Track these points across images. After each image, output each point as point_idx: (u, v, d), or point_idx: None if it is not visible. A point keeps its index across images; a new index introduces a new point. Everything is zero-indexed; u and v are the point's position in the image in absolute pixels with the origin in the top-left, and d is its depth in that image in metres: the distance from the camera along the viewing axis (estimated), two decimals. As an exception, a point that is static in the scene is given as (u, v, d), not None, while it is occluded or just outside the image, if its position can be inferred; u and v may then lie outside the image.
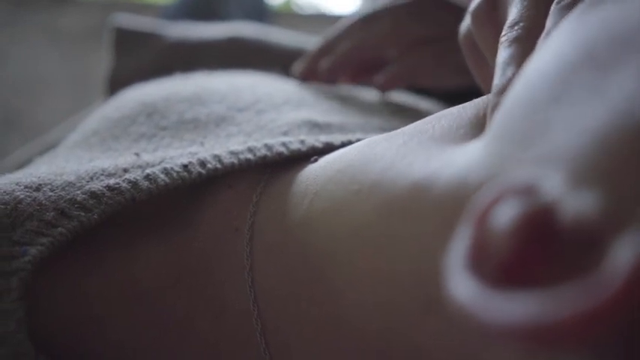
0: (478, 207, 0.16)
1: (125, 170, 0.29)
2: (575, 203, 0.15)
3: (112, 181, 0.28)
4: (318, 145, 0.31)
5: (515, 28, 0.26)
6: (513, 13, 0.27)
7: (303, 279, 0.26)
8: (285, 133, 0.33)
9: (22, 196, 0.27)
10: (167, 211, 0.30)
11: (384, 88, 0.45)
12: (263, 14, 1.10)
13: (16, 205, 0.27)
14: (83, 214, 0.27)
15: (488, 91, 0.32)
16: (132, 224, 0.30)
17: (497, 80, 0.24)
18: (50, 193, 0.28)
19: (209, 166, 0.30)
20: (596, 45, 0.18)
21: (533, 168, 0.17)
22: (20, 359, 0.25)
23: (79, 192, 0.28)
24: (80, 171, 0.29)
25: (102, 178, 0.29)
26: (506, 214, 0.15)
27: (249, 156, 0.30)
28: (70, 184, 0.28)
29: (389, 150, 0.25)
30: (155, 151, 0.32)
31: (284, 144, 0.31)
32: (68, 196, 0.28)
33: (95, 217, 0.27)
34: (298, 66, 0.48)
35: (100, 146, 0.34)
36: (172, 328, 0.28)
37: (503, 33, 0.27)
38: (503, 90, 0.23)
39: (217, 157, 0.30)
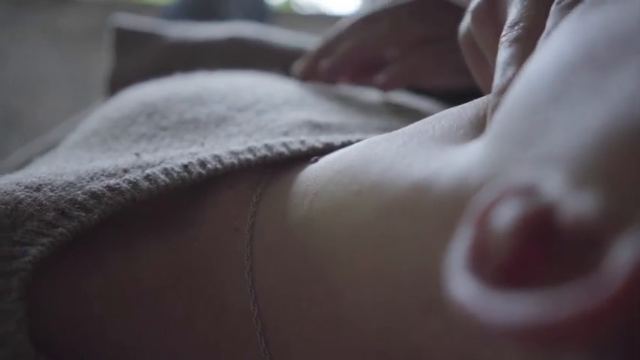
0: (478, 207, 0.16)
1: (125, 170, 0.29)
2: (576, 204, 0.15)
3: (112, 182, 0.28)
4: (319, 145, 0.31)
5: (516, 28, 0.26)
6: (513, 13, 0.27)
7: (304, 279, 0.26)
8: (285, 134, 0.33)
9: (22, 197, 0.27)
10: (167, 212, 0.30)
11: (384, 87, 0.45)
12: (263, 14, 1.10)
13: (17, 206, 0.27)
14: (83, 214, 0.27)
15: (488, 91, 0.32)
16: (132, 224, 0.30)
17: (497, 80, 0.24)
18: (50, 194, 0.28)
19: (209, 166, 0.30)
20: (596, 45, 0.18)
21: (534, 168, 0.17)
22: (20, 359, 0.25)
23: (79, 192, 0.28)
24: (80, 171, 0.29)
25: (102, 178, 0.29)
26: (506, 215, 0.15)
27: (250, 156, 0.30)
28: (71, 184, 0.28)
29: (389, 150, 0.25)
30: (155, 151, 0.32)
31: (284, 144, 0.31)
32: (68, 197, 0.28)
33: (95, 217, 0.27)
34: (298, 66, 0.48)
35: (100, 146, 0.34)
36: (172, 329, 0.28)
37: (503, 33, 0.27)
38: (503, 90, 0.23)
39: (217, 158, 0.30)
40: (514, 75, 0.24)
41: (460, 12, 0.40)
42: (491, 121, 0.22)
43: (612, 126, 0.15)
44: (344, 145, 0.31)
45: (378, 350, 0.23)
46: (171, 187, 0.29)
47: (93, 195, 0.28)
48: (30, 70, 1.65)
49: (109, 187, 0.28)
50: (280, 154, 0.31)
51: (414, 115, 0.42)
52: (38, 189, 0.28)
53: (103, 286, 0.28)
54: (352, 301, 0.24)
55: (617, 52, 0.17)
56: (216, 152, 0.30)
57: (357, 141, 0.30)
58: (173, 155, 0.31)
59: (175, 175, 0.29)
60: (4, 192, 0.27)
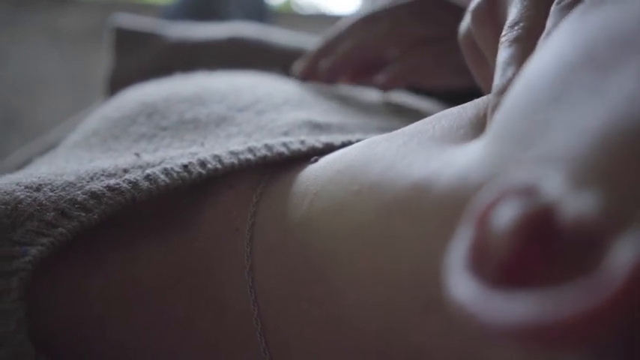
0: (478, 207, 0.16)
1: (125, 170, 0.29)
2: (576, 203, 0.15)
3: (112, 182, 0.28)
4: (319, 145, 0.31)
5: (516, 28, 0.26)
6: (513, 13, 0.27)
7: (304, 279, 0.26)
8: (285, 134, 0.33)
9: (22, 197, 0.27)
10: (167, 212, 0.30)
11: (385, 87, 0.45)
12: (263, 14, 1.10)
13: (17, 206, 0.27)
14: (83, 214, 0.27)
15: (488, 91, 0.32)
16: (132, 224, 0.30)
17: (497, 80, 0.24)
18: (50, 194, 0.28)
19: (209, 166, 0.30)
20: (596, 45, 0.18)
21: (534, 168, 0.17)
22: (20, 359, 0.25)
23: (79, 192, 0.28)
24: (80, 171, 0.29)
25: (102, 178, 0.29)
26: (506, 215, 0.15)
27: (250, 156, 0.30)
28: (71, 184, 0.28)
29: (389, 150, 0.25)
30: (155, 151, 0.32)
31: (284, 144, 0.31)
32: (68, 197, 0.28)
33: (95, 217, 0.27)
34: (299, 65, 0.48)
35: (100, 146, 0.34)
36: (173, 328, 0.28)
37: (503, 33, 0.27)
38: (503, 90, 0.23)
39: (217, 158, 0.30)
40: (514, 75, 0.24)
41: (460, 12, 0.40)
42: (491, 121, 0.22)
43: (612, 126, 0.15)
44: (344, 145, 0.31)
45: (378, 350, 0.23)
46: (171, 187, 0.29)
47: (93, 195, 0.28)
48: (30, 70, 1.65)
49: (109, 187, 0.28)
50: (280, 154, 0.31)
51: (414, 115, 0.42)
52: (38, 189, 0.28)
53: (103, 286, 0.28)
54: (352, 301, 0.24)
55: (617, 52, 0.17)
56: (217, 152, 0.30)
57: (357, 141, 0.30)
58: (173, 155, 0.31)
59: (175, 175, 0.29)
60: (4, 192, 0.27)
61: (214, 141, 0.32)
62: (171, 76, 0.44)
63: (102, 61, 0.65)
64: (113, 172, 0.29)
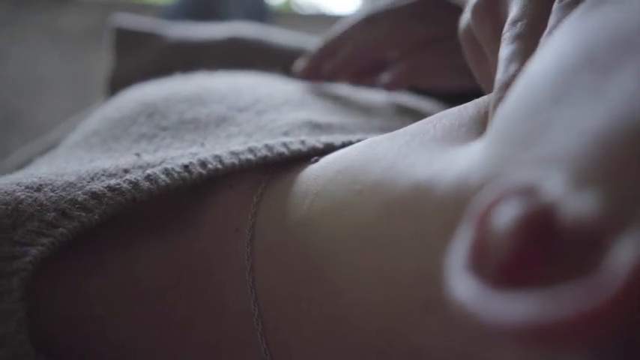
0: (479, 208, 0.16)
1: (126, 171, 0.29)
2: (576, 204, 0.15)
3: (112, 182, 0.28)
4: (319, 145, 0.31)
5: (518, 25, 0.26)
6: (515, 10, 0.27)
7: (304, 279, 0.26)
8: (285, 134, 0.33)
9: (22, 197, 0.27)
10: (168, 212, 0.30)
11: (388, 87, 0.45)
12: (263, 14, 1.10)
13: (17, 206, 0.27)
14: (84, 214, 0.27)
15: (487, 87, 0.32)
16: (133, 225, 0.30)
17: (499, 76, 0.24)
18: (51, 194, 0.28)
19: (210, 166, 0.30)
20: (597, 46, 0.18)
21: (534, 169, 0.17)
22: (20, 359, 0.25)
23: (79, 192, 0.28)
24: (81, 171, 0.29)
25: (103, 178, 0.29)
26: (506, 215, 0.15)
27: (250, 156, 0.30)
28: (71, 184, 0.28)
29: (391, 150, 0.25)
30: (156, 151, 0.32)
31: (285, 144, 0.31)
32: (69, 197, 0.28)
33: (96, 217, 0.27)
34: (299, 65, 0.48)
35: (101, 146, 0.34)
36: (173, 329, 0.28)
37: (505, 29, 0.27)
38: (505, 86, 0.23)
39: (218, 158, 0.30)
40: (516, 72, 0.24)
41: (460, 12, 0.40)
42: (492, 119, 0.22)
43: (612, 126, 0.15)
44: (344, 145, 0.31)
45: (378, 350, 0.23)
46: (171, 188, 0.29)
47: (93, 195, 0.28)
48: (30, 70, 1.65)
49: (110, 188, 0.28)
50: (281, 155, 0.31)
51: (415, 115, 0.42)
52: (39, 189, 0.28)
53: (103, 287, 0.28)
54: (352, 301, 0.24)
55: (617, 53, 0.17)
56: (217, 152, 0.30)
57: (358, 141, 0.30)
58: (174, 155, 0.31)
59: (176, 175, 0.29)
60: (5, 192, 0.27)
61: (215, 141, 0.32)
62: (172, 76, 0.44)
63: (102, 61, 0.65)
64: (114, 172, 0.29)
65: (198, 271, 0.28)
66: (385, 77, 0.45)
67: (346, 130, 0.35)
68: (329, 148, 0.31)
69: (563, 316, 0.12)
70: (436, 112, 0.27)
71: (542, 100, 0.18)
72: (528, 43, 0.25)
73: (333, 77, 0.47)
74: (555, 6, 0.24)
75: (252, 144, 0.31)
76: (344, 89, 0.46)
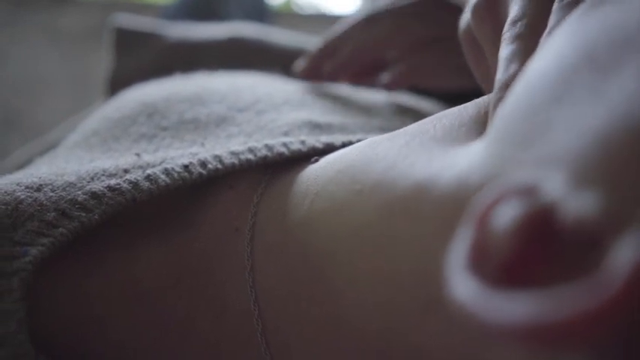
0: (479, 207, 0.16)
1: (126, 171, 0.29)
2: (576, 204, 0.15)
3: (112, 182, 0.28)
4: (319, 145, 0.31)
5: (518, 24, 0.26)
6: (515, 9, 0.27)
7: (304, 279, 0.26)
8: (285, 134, 0.33)
9: (22, 197, 0.27)
10: (168, 212, 0.30)
11: (389, 87, 0.45)
12: (263, 14, 1.10)
13: (17, 206, 0.27)
14: (84, 214, 0.27)
15: (487, 87, 0.32)
16: (133, 225, 0.30)
17: (499, 76, 0.24)
18: (51, 194, 0.28)
19: (210, 166, 0.30)
20: (597, 46, 0.18)
21: (534, 169, 0.17)
22: (20, 359, 0.25)
23: (79, 192, 0.28)
24: (81, 171, 0.29)
25: (103, 178, 0.29)
26: (507, 215, 0.15)
27: (250, 156, 0.30)
28: (71, 184, 0.28)
29: (391, 150, 0.25)
30: (156, 151, 0.32)
31: (285, 144, 0.31)
32: (69, 197, 0.28)
33: (96, 217, 0.27)
34: (299, 65, 0.48)
35: (101, 146, 0.34)
36: (173, 329, 0.28)
37: (505, 29, 0.26)
38: (506, 86, 0.23)
39: (218, 158, 0.30)
40: (517, 71, 0.24)
41: (460, 12, 0.40)
42: (492, 119, 0.22)
43: (612, 126, 0.15)
44: (344, 145, 0.31)
45: (378, 350, 0.23)
46: (171, 188, 0.29)
47: (93, 195, 0.28)
48: (30, 70, 1.65)
49: (110, 188, 0.28)
50: (281, 155, 0.31)
51: (415, 115, 0.42)
52: (39, 189, 0.28)
53: (103, 287, 0.28)
54: (352, 301, 0.24)
55: (617, 53, 0.17)
56: (217, 152, 0.30)
57: (358, 141, 0.30)
58: (174, 155, 0.31)
59: (176, 175, 0.29)
60: (5, 192, 0.27)
61: (215, 141, 0.32)
62: (172, 76, 0.44)
63: (102, 61, 0.65)
64: (114, 172, 0.29)
65: (199, 271, 0.28)
66: (385, 77, 0.45)
67: (346, 130, 0.35)
68: (329, 148, 0.31)
69: (563, 315, 0.12)
70: (436, 112, 0.27)
71: (542, 100, 0.18)
72: (528, 43, 0.25)
73: (333, 77, 0.47)
74: (555, 6, 0.24)
75: (252, 144, 0.31)
76: (344, 89, 0.46)
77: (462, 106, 0.26)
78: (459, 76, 0.43)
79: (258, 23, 0.78)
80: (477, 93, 0.31)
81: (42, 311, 0.27)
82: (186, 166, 0.29)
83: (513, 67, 0.24)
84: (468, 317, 0.14)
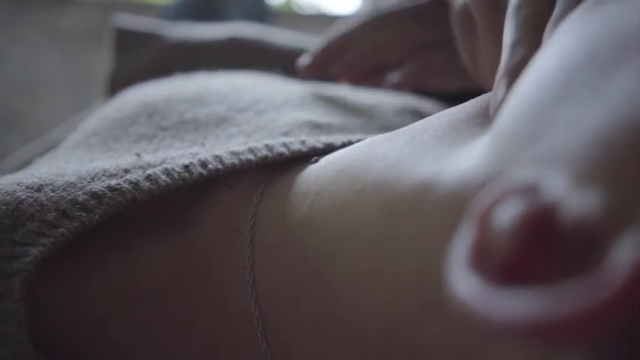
0: (480, 206, 0.16)
1: (126, 171, 0.29)
2: (577, 203, 0.15)
3: (113, 182, 0.28)
4: (319, 145, 0.31)
5: (523, 12, 0.26)
6: None
7: (304, 279, 0.26)
8: (285, 134, 0.33)
9: (23, 197, 0.27)
10: (168, 212, 0.30)
11: (399, 87, 0.45)
12: (263, 14, 1.10)
13: (18, 206, 0.27)
14: (84, 214, 0.27)
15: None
16: (133, 225, 0.30)
17: (504, 61, 0.24)
18: (51, 194, 0.28)
19: (210, 166, 0.30)
20: (600, 45, 0.18)
21: (536, 168, 0.17)
22: (21, 360, 0.25)
23: (80, 192, 0.28)
24: (81, 171, 0.29)
25: (103, 178, 0.29)
26: (508, 214, 0.15)
27: (250, 156, 0.30)
28: (72, 184, 0.28)
29: (391, 149, 0.25)
30: (156, 151, 0.32)
31: (285, 144, 0.31)
32: (69, 197, 0.28)
33: (96, 217, 0.27)
34: (303, 62, 0.48)
35: (101, 147, 0.34)
36: (173, 329, 0.28)
37: (508, 14, 0.26)
38: (511, 71, 0.23)
39: (218, 158, 0.30)
40: (522, 57, 0.24)
41: None
42: (494, 111, 0.22)
43: (613, 126, 0.15)
44: (344, 145, 0.31)
45: (378, 351, 0.23)
46: (172, 188, 0.29)
47: (94, 195, 0.28)
48: (30, 70, 1.65)
49: (110, 188, 0.28)
50: (281, 155, 0.31)
51: (416, 115, 0.42)
52: (39, 189, 0.28)
53: (103, 287, 0.28)
54: (352, 302, 0.24)
55: (618, 52, 0.17)
56: (217, 153, 0.30)
57: (358, 141, 0.30)
58: (174, 156, 0.31)
59: (176, 175, 0.29)
60: (5, 192, 0.27)
61: (215, 141, 0.32)
62: (172, 76, 0.44)
63: (102, 61, 0.64)
64: (114, 172, 0.29)
65: (199, 272, 0.28)
66: (395, 77, 0.45)
67: (346, 130, 0.35)
68: (329, 148, 0.31)
69: (563, 313, 0.12)
70: (436, 112, 0.27)
71: (544, 99, 0.18)
72: (534, 28, 0.25)
73: (341, 77, 0.47)
74: None
75: (252, 144, 0.31)
76: (344, 89, 0.46)
77: (461, 105, 0.26)
78: (462, 78, 0.43)
79: (259, 23, 0.78)
80: (477, 93, 0.31)
81: (42, 311, 0.27)
82: (186, 167, 0.29)
83: (519, 53, 0.24)
84: (469, 315, 0.14)
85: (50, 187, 0.28)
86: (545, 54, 0.20)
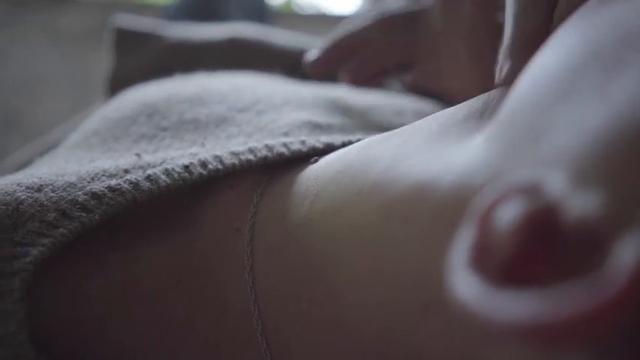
0: (481, 206, 0.16)
1: (126, 171, 0.29)
2: (578, 203, 0.15)
3: (113, 182, 0.28)
4: (319, 145, 0.31)
5: None
6: None
7: (304, 279, 0.26)
8: (285, 134, 0.33)
9: (23, 197, 0.27)
10: (168, 212, 0.30)
11: (411, 87, 0.45)
12: (263, 14, 1.10)
13: (18, 206, 0.27)
14: (84, 214, 0.27)
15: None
16: (133, 225, 0.30)
17: (509, 31, 0.24)
18: (51, 194, 0.28)
19: (210, 166, 0.30)
20: (604, 44, 0.18)
21: (536, 167, 0.17)
22: (21, 360, 0.25)
23: (80, 193, 0.28)
24: (81, 172, 0.29)
25: (103, 178, 0.29)
26: (508, 214, 0.15)
27: (250, 157, 0.30)
28: (72, 184, 0.28)
29: (388, 150, 0.25)
30: (156, 151, 0.32)
31: (285, 145, 0.31)
32: (69, 197, 0.28)
33: (96, 217, 0.27)
34: (310, 58, 0.47)
35: (101, 147, 0.34)
36: (173, 329, 0.28)
37: None
38: (518, 42, 0.23)
39: (218, 158, 0.30)
40: (526, 31, 0.23)
41: None
42: (498, 86, 0.22)
43: (614, 126, 0.15)
44: (344, 145, 0.31)
45: (378, 351, 0.23)
46: (172, 188, 0.29)
47: (94, 195, 0.28)
48: (30, 70, 1.65)
49: (110, 188, 0.28)
50: (281, 155, 0.31)
51: (416, 115, 0.42)
52: (39, 189, 0.28)
53: (104, 287, 0.28)
54: (352, 302, 0.24)
55: (622, 52, 0.17)
56: (217, 153, 0.30)
57: (358, 141, 0.30)
58: (174, 156, 0.31)
59: (176, 175, 0.29)
60: (6, 192, 0.27)
61: (215, 141, 0.32)
62: (172, 76, 0.44)
63: (102, 61, 0.64)
64: (114, 172, 0.29)
65: (199, 272, 0.28)
66: (408, 77, 0.45)
67: (346, 130, 0.35)
68: (329, 148, 0.31)
69: (564, 314, 0.12)
70: (435, 112, 0.27)
71: (546, 98, 0.18)
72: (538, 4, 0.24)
73: (347, 78, 0.47)
74: None
75: (252, 144, 0.31)
76: (344, 89, 0.46)
77: (459, 104, 0.26)
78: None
79: (259, 23, 0.78)
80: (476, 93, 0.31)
81: (42, 312, 0.27)
82: (186, 167, 0.29)
83: (528, 22, 0.24)
84: (469, 316, 0.14)
85: (50, 187, 0.28)
86: (550, 51, 0.20)
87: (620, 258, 0.12)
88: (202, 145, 0.32)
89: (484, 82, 0.37)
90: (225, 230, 0.29)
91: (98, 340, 0.28)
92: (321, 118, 0.36)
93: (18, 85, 1.65)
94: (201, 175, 0.29)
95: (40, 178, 0.29)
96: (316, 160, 0.30)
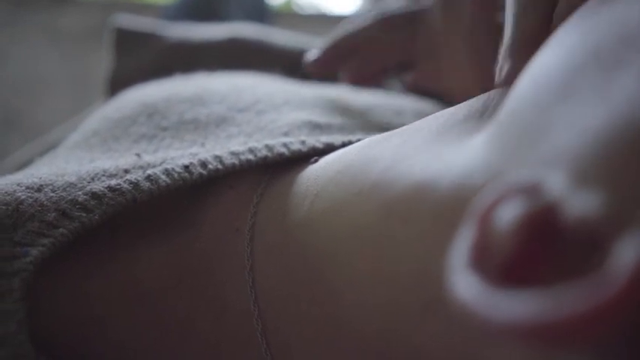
0: (481, 206, 0.16)
1: (126, 171, 0.29)
2: (578, 203, 0.15)
3: (113, 182, 0.28)
4: (319, 145, 0.31)
5: None
6: None
7: (304, 279, 0.26)
8: (285, 134, 0.33)
9: (23, 197, 0.27)
10: (168, 212, 0.30)
11: (412, 87, 0.45)
12: (263, 14, 1.10)
13: (18, 206, 0.27)
14: (84, 214, 0.27)
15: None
16: (133, 225, 0.30)
17: (509, 31, 0.24)
18: (51, 194, 0.28)
19: (210, 166, 0.30)
20: (605, 44, 0.18)
21: (537, 167, 0.17)
22: (21, 360, 0.25)
23: (80, 193, 0.28)
24: (81, 172, 0.29)
25: (103, 178, 0.29)
26: (508, 214, 0.15)
27: (250, 157, 0.30)
28: (72, 184, 0.28)
29: (388, 150, 0.25)
30: (156, 151, 0.32)
31: (285, 145, 0.31)
32: (69, 197, 0.28)
33: (96, 217, 0.27)
34: (310, 57, 0.47)
35: (101, 147, 0.34)
36: (173, 329, 0.28)
37: None
38: (518, 42, 0.23)
39: (218, 158, 0.30)
40: (527, 28, 0.23)
41: None
42: (498, 87, 0.22)
43: (614, 126, 0.15)
44: (344, 145, 0.31)
45: (378, 351, 0.23)
46: (172, 188, 0.29)
47: (94, 195, 0.28)
48: (30, 70, 1.65)
49: (110, 188, 0.28)
50: (281, 155, 0.31)
51: (416, 115, 0.42)
52: (39, 189, 0.28)
53: (104, 287, 0.28)
54: (352, 302, 0.24)
55: (622, 52, 0.17)
56: (217, 153, 0.30)
57: (358, 141, 0.30)
58: (174, 156, 0.31)
59: (176, 175, 0.29)
60: (6, 192, 0.27)
61: (215, 141, 0.32)
62: (172, 76, 0.44)
63: (102, 61, 0.64)
64: (114, 172, 0.29)
65: (199, 272, 0.28)
66: (408, 77, 0.45)
67: (346, 130, 0.35)
68: (329, 148, 0.31)
69: (564, 314, 0.12)
70: (435, 112, 0.27)
71: (546, 98, 0.18)
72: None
73: (347, 78, 0.47)
74: None
75: (252, 144, 0.31)
76: (344, 89, 0.46)
77: (459, 104, 0.26)
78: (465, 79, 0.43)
79: (259, 23, 0.78)
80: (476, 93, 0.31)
81: (42, 312, 0.27)
82: (186, 167, 0.29)
83: (527, 22, 0.24)
84: (469, 316, 0.14)
85: (50, 187, 0.28)
86: (550, 51, 0.20)
87: (620, 258, 0.12)
88: (202, 145, 0.32)
89: (484, 82, 0.37)
90: (225, 230, 0.29)
91: (98, 340, 0.28)
92: (321, 118, 0.36)
93: (18, 85, 1.65)
94: (201, 175, 0.29)
95: (40, 178, 0.29)
96: (316, 160, 0.30)
